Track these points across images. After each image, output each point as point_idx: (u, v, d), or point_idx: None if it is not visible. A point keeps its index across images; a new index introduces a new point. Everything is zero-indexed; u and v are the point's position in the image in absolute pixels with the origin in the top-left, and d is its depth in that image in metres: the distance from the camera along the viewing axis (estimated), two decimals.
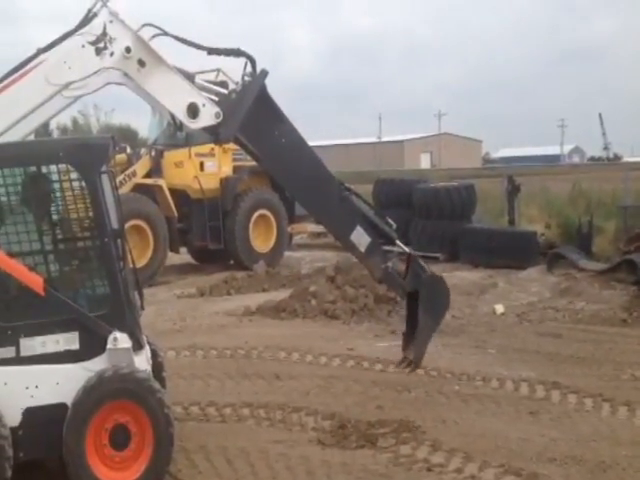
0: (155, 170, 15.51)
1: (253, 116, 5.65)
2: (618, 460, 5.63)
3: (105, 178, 5.19)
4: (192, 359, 8.88)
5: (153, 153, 15.64)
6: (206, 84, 5.84)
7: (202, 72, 13.70)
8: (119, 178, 14.77)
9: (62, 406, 4.89)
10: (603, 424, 6.47)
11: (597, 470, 5.48)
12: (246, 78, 5.82)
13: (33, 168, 5.14)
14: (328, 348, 9.08)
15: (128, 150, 16.49)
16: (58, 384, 4.94)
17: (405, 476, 5.44)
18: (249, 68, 5.82)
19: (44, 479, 5.32)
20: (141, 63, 5.30)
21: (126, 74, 5.33)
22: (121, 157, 15.74)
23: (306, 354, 8.86)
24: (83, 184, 5.06)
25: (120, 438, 4.96)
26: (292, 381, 7.82)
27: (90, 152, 5.09)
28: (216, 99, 5.66)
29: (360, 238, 6.03)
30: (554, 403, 7.05)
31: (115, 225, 5.20)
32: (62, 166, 5.07)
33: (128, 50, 5.25)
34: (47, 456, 5.14)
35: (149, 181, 15.39)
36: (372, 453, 5.86)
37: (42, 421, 4.90)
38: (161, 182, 15.41)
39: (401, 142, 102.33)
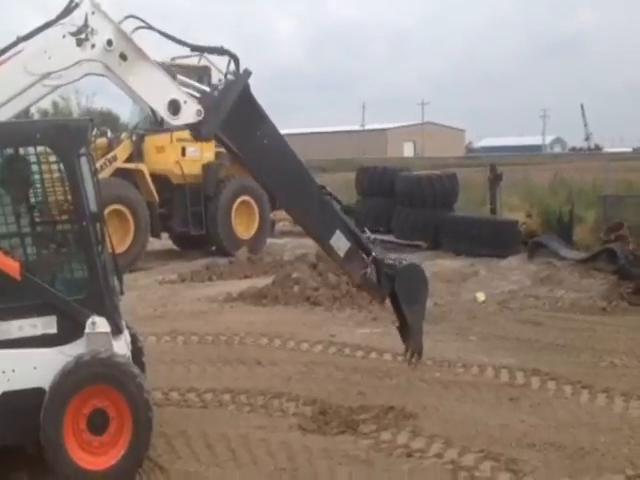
0: (136, 155, 15.40)
1: (235, 115, 5.60)
2: (597, 446, 5.67)
3: (84, 161, 5.13)
4: (173, 345, 8.85)
5: (134, 137, 15.52)
6: (188, 80, 5.79)
7: (185, 56, 13.63)
8: (100, 162, 14.65)
9: (39, 391, 4.84)
10: (582, 411, 6.51)
11: (576, 456, 5.51)
12: (229, 77, 5.77)
13: (10, 150, 5.06)
14: (310, 335, 9.07)
15: (109, 134, 16.34)
16: (35, 368, 4.89)
17: (386, 462, 5.45)
18: (232, 66, 5.76)
19: (23, 464, 5.27)
20: (123, 57, 5.23)
21: (107, 67, 5.26)
22: (102, 141, 15.63)
23: (288, 340, 8.84)
24: (61, 166, 4.99)
25: (99, 423, 4.91)
26: (273, 367, 7.80)
27: (69, 134, 5.02)
28: (198, 96, 5.62)
29: (339, 243, 6.00)
30: (534, 390, 7.09)
31: (94, 208, 5.15)
32: (40, 148, 5.01)
33: (110, 43, 5.16)
34: (25, 441, 5.08)
35: (130, 166, 15.27)
36: (353, 439, 5.86)
37: (19, 406, 4.85)
38: (142, 167, 15.30)
39: (384, 131, 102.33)
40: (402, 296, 6.17)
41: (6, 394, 4.83)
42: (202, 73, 15.16)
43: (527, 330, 9.39)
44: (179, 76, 5.63)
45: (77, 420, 4.87)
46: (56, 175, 5.06)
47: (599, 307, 10.61)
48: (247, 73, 5.74)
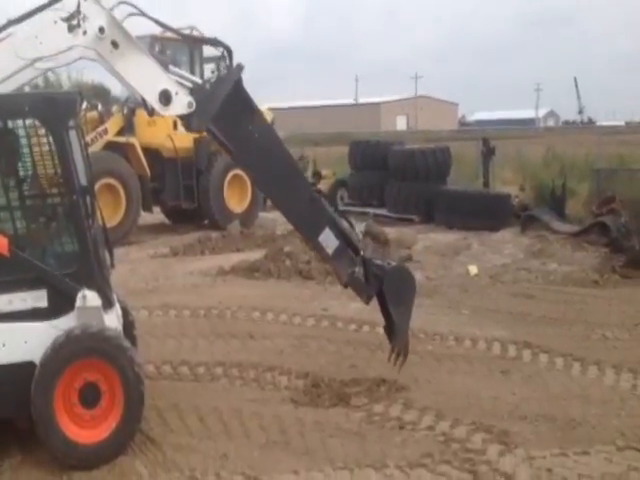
0: (127, 128, 15.27)
1: (227, 109, 5.57)
2: (588, 418, 5.70)
3: (73, 134, 5.07)
4: (165, 319, 8.82)
5: (125, 111, 15.38)
6: (179, 71, 5.75)
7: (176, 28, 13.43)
8: (90, 136, 14.52)
9: (30, 364, 4.82)
10: (573, 383, 6.53)
11: (567, 428, 5.54)
12: (222, 70, 5.74)
13: None
14: (302, 308, 9.07)
15: (100, 107, 16.18)
16: (26, 342, 4.86)
17: (378, 434, 5.47)
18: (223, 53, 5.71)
19: (14, 439, 5.25)
20: (114, 44, 5.16)
21: (98, 53, 5.20)
22: (92, 114, 15.49)
23: (280, 314, 8.83)
24: (50, 139, 4.93)
25: (90, 397, 4.91)
26: (266, 341, 7.80)
27: (57, 107, 4.95)
28: (190, 86, 5.57)
29: (328, 240, 5.98)
30: (526, 362, 7.11)
31: (84, 182, 5.10)
32: (29, 121, 4.95)
33: (102, 30, 5.09)
34: (16, 415, 5.06)
35: (121, 139, 15.15)
36: (345, 412, 5.87)
37: (10, 380, 4.83)
38: (133, 140, 15.17)
39: (378, 104, 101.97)
40: (389, 297, 6.21)
41: None
42: (193, 44, 15.01)
43: (519, 303, 9.40)
44: (171, 66, 5.59)
45: (68, 394, 4.86)
46: (45, 148, 5.01)
47: (591, 280, 10.64)
48: (240, 67, 5.72)
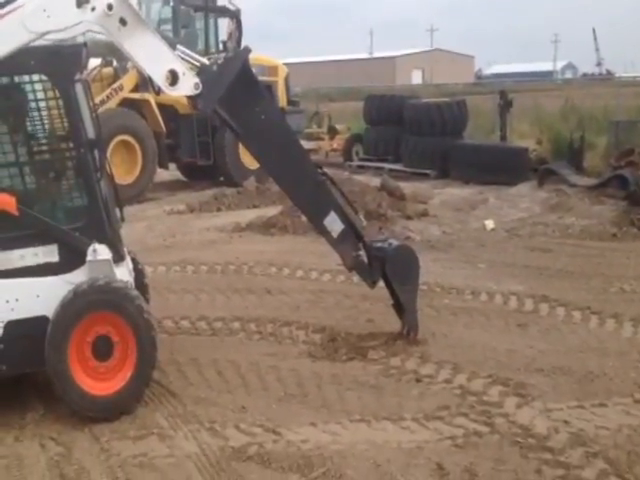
0: (142, 84, 15.16)
1: (233, 92, 5.55)
2: (605, 370, 5.70)
3: (79, 87, 5.05)
4: (182, 274, 8.88)
5: None
6: (187, 51, 5.70)
7: None
8: (106, 92, 14.50)
9: (43, 319, 4.85)
10: (591, 336, 6.53)
11: (584, 380, 5.54)
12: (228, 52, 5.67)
13: (5, 79, 4.97)
14: (318, 263, 9.06)
15: (115, 64, 16.08)
16: (39, 297, 4.89)
17: (394, 387, 5.50)
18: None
19: (37, 393, 5.32)
20: (122, 22, 5.08)
21: (106, 29, 5.14)
22: (108, 71, 15.41)
23: (297, 269, 8.86)
24: (57, 93, 4.91)
25: (103, 349, 4.93)
26: (283, 296, 7.84)
27: (63, 60, 4.93)
28: (198, 65, 5.52)
29: (333, 224, 6.03)
30: (543, 316, 7.10)
31: (91, 135, 5.09)
32: (35, 76, 4.94)
33: (110, 7, 5.00)
34: (31, 370, 5.13)
35: (136, 95, 15.06)
36: (362, 365, 5.91)
37: (25, 334, 4.87)
38: (149, 96, 15.08)
39: (393, 58, 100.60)
40: (393, 277, 6.27)
41: (10, 323, 4.85)
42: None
43: (536, 257, 9.37)
44: (179, 46, 5.54)
45: (81, 348, 4.89)
46: (52, 102, 5.00)
47: (609, 233, 10.58)
48: (246, 50, 5.76)
